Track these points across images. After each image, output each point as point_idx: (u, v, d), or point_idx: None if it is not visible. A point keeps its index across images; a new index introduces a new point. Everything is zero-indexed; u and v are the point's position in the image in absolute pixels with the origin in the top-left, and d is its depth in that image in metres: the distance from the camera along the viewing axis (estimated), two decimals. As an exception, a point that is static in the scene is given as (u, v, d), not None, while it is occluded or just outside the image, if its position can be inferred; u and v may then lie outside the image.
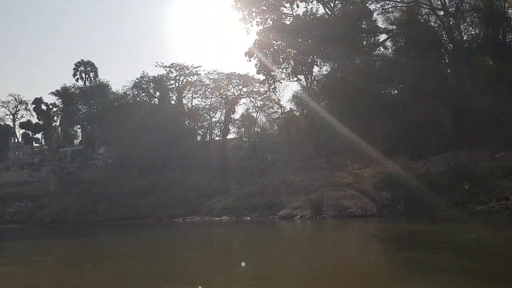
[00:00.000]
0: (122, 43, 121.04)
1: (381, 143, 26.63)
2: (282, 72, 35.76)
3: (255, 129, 62.30)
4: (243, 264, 10.23)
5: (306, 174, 33.32)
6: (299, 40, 30.98)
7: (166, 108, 55.50)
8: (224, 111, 58.53)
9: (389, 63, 28.74)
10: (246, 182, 39.57)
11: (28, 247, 21.21)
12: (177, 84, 56.30)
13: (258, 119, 61.83)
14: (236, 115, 58.80)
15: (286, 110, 41.77)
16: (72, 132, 66.29)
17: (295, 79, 38.67)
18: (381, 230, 17.75)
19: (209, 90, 56.89)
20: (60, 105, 63.37)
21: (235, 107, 58.37)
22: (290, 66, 34.73)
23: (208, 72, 55.81)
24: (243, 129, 64.28)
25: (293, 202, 26.07)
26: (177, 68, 55.25)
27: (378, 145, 27.12)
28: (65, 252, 17.22)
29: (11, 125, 67.48)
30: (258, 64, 34.88)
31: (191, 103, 57.89)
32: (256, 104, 58.70)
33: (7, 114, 63.42)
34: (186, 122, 55.57)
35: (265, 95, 56.44)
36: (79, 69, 60.52)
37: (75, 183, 44.42)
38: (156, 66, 53.60)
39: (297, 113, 39.35)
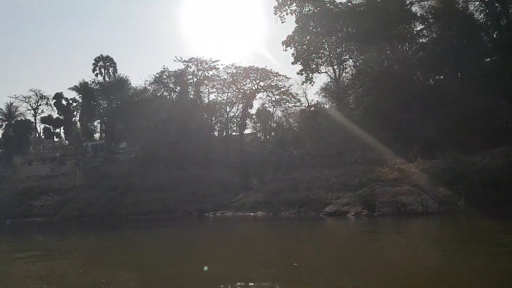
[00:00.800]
0: (138, 38, 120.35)
1: (427, 136, 25.16)
2: (320, 62, 34.32)
3: (271, 124, 61.27)
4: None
5: (341, 169, 32.06)
6: (339, 28, 29.55)
7: (186, 102, 54.54)
8: (241, 106, 57.66)
9: (434, 51, 27.14)
10: (272, 177, 38.53)
11: (69, 242, 20.30)
12: (195, 79, 55.24)
13: (275, 114, 60.78)
14: (252, 110, 57.95)
15: (313, 103, 40.17)
16: (92, 127, 65.72)
17: (325, 70, 37.23)
18: (459, 229, 16.36)
19: (226, 84, 55.83)
20: (79, 100, 62.83)
21: (252, 101, 57.41)
22: (324, 55, 33.26)
23: (226, 66, 54.72)
24: (259, 124, 63.26)
25: (340, 198, 24.77)
26: (195, 62, 54.19)
27: (422, 138, 25.64)
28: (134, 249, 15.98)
29: (32, 120, 67.16)
30: (295, 53, 33.52)
31: (208, 98, 57.08)
32: (272, 99, 57.66)
33: (28, 109, 62.99)
34: (204, 116, 54.54)
35: (283, 89, 55.37)
36: (98, 64, 59.83)
37: (101, 177, 43.84)
38: (175, 61, 52.69)
39: (327, 106, 37.99)
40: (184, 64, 53.99)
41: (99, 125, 66.75)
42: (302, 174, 33.54)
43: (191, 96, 55.40)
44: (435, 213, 20.63)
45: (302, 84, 49.49)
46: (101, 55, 59.70)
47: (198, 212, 35.22)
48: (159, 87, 55.03)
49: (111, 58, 59.84)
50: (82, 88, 66.57)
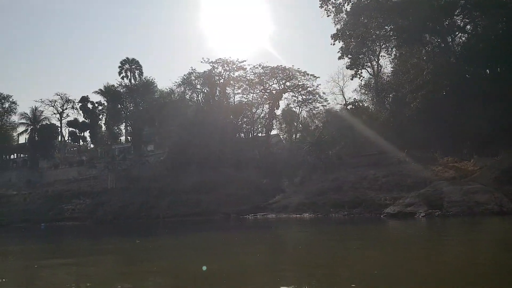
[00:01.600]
0: (160, 41, 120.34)
1: (483, 132, 23.56)
2: (370, 56, 32.96)
3: (297, 125, 60.10)
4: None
5: (388, 169, 30.63)
6: (391, 20, 28.22)
7: (214, 104, 53.72)
8: (266, 106, 56.75)
9: (491, 43, 25.53)
10: (307, 178, 37.23)
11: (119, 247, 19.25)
12: (222, 80, 54.42)
13: (300, 114, 59.58)
14: (277, 111, 56.87)
15: (350, 101, 38.71)
16: (117, 130, 65.27)
17: (367, 65, 35.75)
18: None
19: (252, 85, 54.97)
20: (105, 103, 62.51)
21: (279, 102, 56.45)
22: (371, 50, 31.87)
23: (253, 66, 53.76)
24: (284, 125, 62.16)
25: (400, 198, 23.35)
26: (221, 63, 53.36)
27: (478, 135, 24.05)
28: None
29: (57, 124, 67.05)
30: (344, 46, 32.27)
31: (233, 99, 56.30)
32: (298, 99, 56.53)
33: (54, 113, 62.84)
34: (231, 118, 53.62)
35: (310, 89, 54.22)
36: (124, 67, 59.39)
37: (132, 180, 43.10)
38: (202, 62, 51.81)
39: (369, 103, 36.54)
40: (211, 65, 53.30)
41: (124, 128, 66.31)
42: (345, 175, 32.18)
43: (218, 97, 54.52)
44: (510, 212, 19.15)
45: (352, 79, 48.41)
46: (127, 58, 59.39)
47: (237, 214, 34.13)
48: (186, 88, 54.33)
49: (137, 61, 59.52)
50: (107, 91, 66.31)
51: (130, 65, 59.35)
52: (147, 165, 47.51)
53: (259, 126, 58.05)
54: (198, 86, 53.93)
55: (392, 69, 35.15)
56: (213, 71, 53.26)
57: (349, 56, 33.42)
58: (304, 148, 37.14)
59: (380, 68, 36.62)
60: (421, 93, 25.28)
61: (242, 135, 56.96)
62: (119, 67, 59.24)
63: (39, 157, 63.36)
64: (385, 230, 19.20)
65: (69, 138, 66.10)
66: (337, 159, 36.07)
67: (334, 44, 32.89)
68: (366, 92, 35.56)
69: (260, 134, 58.17)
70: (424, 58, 27.70)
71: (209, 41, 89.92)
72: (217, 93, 53.53)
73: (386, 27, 29.15)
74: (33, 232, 33.80)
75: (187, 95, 54.13)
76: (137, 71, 59.48)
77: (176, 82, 52.50)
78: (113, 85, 61.40)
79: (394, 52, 33.35)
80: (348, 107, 37.96)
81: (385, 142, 33.81)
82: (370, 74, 37.07)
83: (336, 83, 39.05)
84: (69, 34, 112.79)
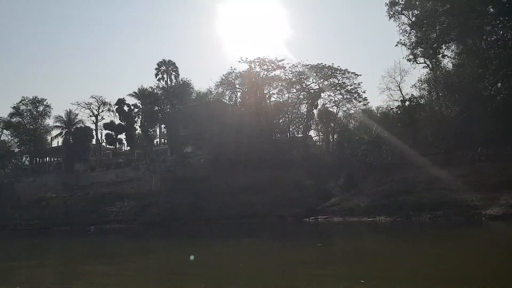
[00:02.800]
0: (182, 45, 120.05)
1: None
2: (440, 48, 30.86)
3: (334, 125, 57.99)
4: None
5: (463, 168, 28.25)
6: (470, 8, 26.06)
7: (253, 103, 52.10)
8: (303, 106, 54.98)
9: None
10: (364, 179, 34.93)
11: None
12: (259, 79, 52.83)
13: (338, 114, 57.46)
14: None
15: (408, 97, 36.37)
16: (152, 132, 64.27)
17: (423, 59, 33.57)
18: None
19: (291, 83, 53.36)
20: (140, 106, 61.71)
21: (317, 101, 54.67)
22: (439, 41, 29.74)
23: (293, 65, 52.11)
24: (320, 125, 60.15)
25: (497, 199, 21.04)
26: (258, 62, 51.83)
27: None
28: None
29: (91, 127, 66.54)
30: (417, 36, 30.19)
31: (271, 98, 54.70)
32: (335, 98, 54.56)
33: (90, 116, 62.26)
34: (270, 118, 51.87)
35: (350, 87, 52.27)
36: (161, 68, 58.41)
37: (177, 181, 41.55)
38: (240, 61, 50.39)
39: (428, 99, 34.23)
40: (248, 64, 51.89)
41: (159, 130, 65.33)
42: (413, 175, 29.86)
43: (256, 97, 52.85)
44: None
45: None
46: (164, 60, 58.50)
47: (293, 217, 32.19)
48: (225, 89, 52.94)
49: (174, 63, 58.55)
50: (141, 94, 65.63)
51: (166, 67, 58.39)
52: (189, 167, 45.96)
53: (297, 127, 56.22)
54: (237, 86, 52.46)
55: (455, 62, 32.87)
56: (251, 70, 51.86)
57: (422, 47, 31.23)
58: (361, 147, 34.88)
59: (439, 63, 34.31)
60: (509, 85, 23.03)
61: (278, 135, 55.31)
62: (156, 69, 58.39)
63: (74, 160, 62.78)
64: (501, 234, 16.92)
65: (104, 141, 65.39)
66: (398, 159, 33.72)
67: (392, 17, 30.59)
68: (427, 87, 33.32)
69: (297, 135, 56.38)
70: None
71: (226, 45, 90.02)
72: (256, 92, 51.93)
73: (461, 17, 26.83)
74: (86, 235, 32.55)
75: (226, 96, 52.71)
76: (173, 73, 58.41)
77: (216, 81, 51.09)
78: (147, 88, 60.79)
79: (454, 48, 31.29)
80: (406, 103, 35.67)
81: (451, 140, 31.44)
82: (429, 67, 34.79)
83: (393, 78, 36.84)
84: (89, 40, 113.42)
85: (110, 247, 22.97)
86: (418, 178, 29.19)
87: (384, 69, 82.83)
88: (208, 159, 46.66)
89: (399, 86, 36.49)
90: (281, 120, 53.59)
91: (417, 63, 34.75)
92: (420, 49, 33.21)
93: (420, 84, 34.69)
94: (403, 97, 35.96)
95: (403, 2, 36.13)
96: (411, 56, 34.12)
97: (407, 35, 34.91)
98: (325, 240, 18.98)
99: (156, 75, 58.28)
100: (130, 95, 64.72)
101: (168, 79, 58.50)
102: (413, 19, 34.07)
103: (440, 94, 32.63)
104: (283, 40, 77.91)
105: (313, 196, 36.57)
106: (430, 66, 35.21)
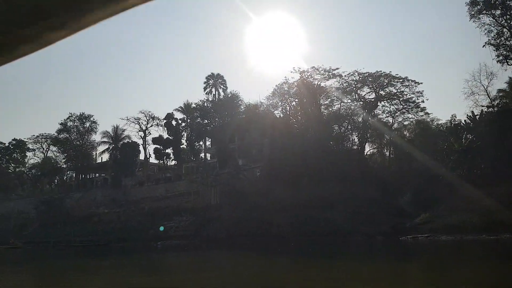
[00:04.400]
0: (212, 63, 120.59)
1: None
2: None
3: (388, 137, 54.44)
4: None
5: None
6: None
7: (307, 114, 49.65)
8: (358, 116, 52.08)
9: None
10: (450, 192, 31.13)
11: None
12: (312, 88, 50.42)
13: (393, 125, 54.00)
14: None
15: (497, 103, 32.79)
16: (197, 146, 62.83)
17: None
18: None
19: (346, 92, 50.82)
20: (188, 120, 60.61)
21: (374, 111, 51.74)
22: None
23: (349, 74, 49.60)
24: (374, 137, 56.70)
25: None
26: (308, 72, 49.60)
27: None
28: None
29: (138, 141, 65.86)
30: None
31: (326, 108, 52.11)
32: (390, 108, 51.46)
33: (139, 130, 61.49)
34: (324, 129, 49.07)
35: (408, 96, 49.13)
36: (209, 82, 57.17)
37: (236, 195, 38.98)
38: (292, 72, 48.24)
39: None
40: (300, 75, 49.76)
41: (204, 144, 63.80)
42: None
43: (310, 107, 50.33)
44: None
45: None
46: (212, 73, 57.36)
47: (382, 235, 28.76)
48: (277, 99, 50.87)
49: (222, 76, 57.28)
50: (187, 108, 64.75)
51: (214, 80, 57.12)
52: (244, 180, 43.58)
53: (353, 138, 53.21)
54: (290, 97, 50.25)
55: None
56: (305, 80, 49.68)
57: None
58: (452, 157, 31.31)
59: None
60: None
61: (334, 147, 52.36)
62: (204, 82, 57.31)
63: (122, 175, 61.83)
64: None
65: (150, 156, 64.31)
66: (491, 170, 29.97)
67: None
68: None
69: (353, 147, 53.30)
70: None
71: (251, 61, 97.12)
72: (310, 103, 49.51)
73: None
74: (157, 251, 30.29)
75: (279, 107, 50.53)
76: (221, 86, 57.10)
77: (276, 88, 49.22)
78: (196, 102, 60.01)
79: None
80: (489, 109, 32.11)
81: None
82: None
83: (478, 82, 33.39)
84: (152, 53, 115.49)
85: (233, 264, 19.70)
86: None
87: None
88: (264, 172, 44.11)
89: (486, 90, 33.02)
90: (334, 130, 50.73)
91: (508, 64, 31.39)
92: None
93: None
94: (490, 102, 32.43)
95: (482, 1, 33.24)
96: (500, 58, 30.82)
97: (493, 34, 31.76)
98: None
99: (205, 88, 57.09)
100: (176, 110, 64.13)
101: (216, 92, 57.18)
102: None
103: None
104: (301, 54, 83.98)
105: (387, 212, 33.36)
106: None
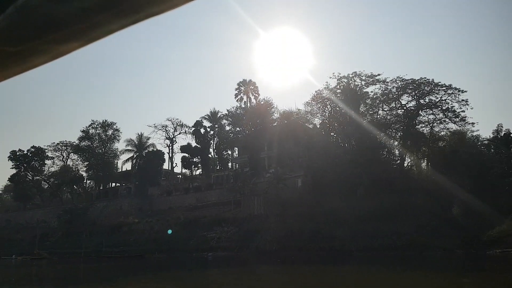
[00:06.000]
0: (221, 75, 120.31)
1: None
2: None
3: (425, 149, 51.69)
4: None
5: None
6: None
7: (349, 121, 47.21)
8: (400, 126, 49.53)
9: None
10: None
11: None
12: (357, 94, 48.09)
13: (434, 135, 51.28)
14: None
15: None
16: (226, 155, 60.45)
17: None
18: None
19: (388, 100, 48.47)
20: (215, 128, 58.41)
21: (415, 120, 49.22)
22: None
23: (391, 80, 47.27)
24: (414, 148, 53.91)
25: None
26: (346, 78, 47.47)
27: None
28: None
29: (163, 150, 63.72)
30: None
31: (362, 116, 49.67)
32: (428, 118, 48.88)
33: (166, 138, 59.25)
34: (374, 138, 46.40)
35: (450, 105, 46.53)
36: (241, 88, 55.09)
37: (282, 206, 36.20)
38: (331, 77, 46.17)
39: None
40: (338, 80, 47.59)
41: (232, 153, 61.38)
42: None
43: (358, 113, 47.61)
44: None
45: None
46: (244, 80, 55.28)
47: (461, 249, 25.84)
48: (314, 107, 48.54)
49: (254, 82, 55.16)
50: (213, 116, 62.67)
51: (246, 87, 55.03)
52: (286, 189, 40.78)
53: (393, 148, 50.55)
54: (331, 104, 47.88)
55: None
56: (344, 86, 47.39)
57: None
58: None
59: None
60: None
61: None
62: (236, 89, 55.19)
63: (146, 184, 59.34)
64: None
65: (176, 165, 61.81)
66: None
67: None
68: None
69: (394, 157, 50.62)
70: None
71: (259, 73, 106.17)
72: (354, 109, 47.11)
73: None
74: (212, 264, 27.47)
75: (318, 113, 48.16)
76: (254, 94, 54.97)
77: (305, 101, 47.09)
78: (219, 111, 58.14)
79: None
80: None
81: None
82: None
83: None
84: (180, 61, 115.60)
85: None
86: None
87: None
88: (308, 182, 41.36)
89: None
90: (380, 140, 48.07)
91: None
92: None
93: None
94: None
95: None
96: None
97: None
98: None
99: (236, 95, 54.87)
100: (203, 118, 62.03)
101: (248, 99, 54.96)
102: None
103: None
104: (307, 68, 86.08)
105: (447, 224, 30.55)
106: None
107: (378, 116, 49.61)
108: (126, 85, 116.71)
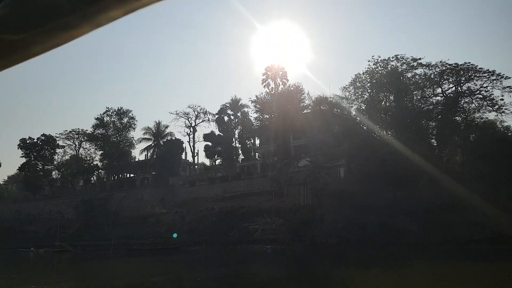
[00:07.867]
0: (218, 70, 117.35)
1: None
2: None
3: (457, 139, 48.47)
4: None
5: None
6: None
7: (392, 109, 43.94)
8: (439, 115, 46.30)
9: None
10: None
11: None
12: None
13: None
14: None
15: None
16: (249, 144, 56.95)
17: None
18: None
19: (429, 86, 45.29)
20: (239, 117, 54.97)
21: (455, 108, 45.93)
22: None
23: (432, 65, 43.95)
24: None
25: None
26: (383, 62, 44.08)
27: None
28: None
29: (182, 139, 60.16)
30: None
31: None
32: (468, 106, 45.75)
33: (187, 126, 55.58)
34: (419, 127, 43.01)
35: (487, 93, 43.41)
36: (268, 73, 51.42)
37: (331, 196, 32.78)
38: (369, 61, 42.75)
39: None
40: (375, 65, 44.18)
41: (253, 141, 57.88)
42: None
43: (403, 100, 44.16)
44: None
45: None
46: (272, 64, 51.59)
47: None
48: (352, 92, 45.11)
49: (282, 67, 51.40)
50: (234, 104, 59.13)
51: (274, 72, 51.37)
52: (326, 180, 37.49)
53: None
54: (370, 89, 44.49)
55: None
56: (389, 71, 43.85)
57: None
58: None
59: None
60: None
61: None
62: (263, 74, 51.42)
63: (166, 174, 55.78)
64: None
65: (197, 153, 58.17)
66: None
67: None
68: None
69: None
70: None
71: (257, 67, 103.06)
72: (397, 95, 43.71)
73: None
74: (275, 258, 24.14)
75: (359, 99, 44.72)
76: (282, 79, 51.34)
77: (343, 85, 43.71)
78: (237, 99, 54.72)
79: None
80: None
81: None
82: None
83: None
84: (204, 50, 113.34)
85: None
86: None
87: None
88: (351, 171, 38.07)
89: None
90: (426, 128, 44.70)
91: None
92: None
93: None
94: None
95: None
96: None
97: None
98: None
99: (263, 81, 51.20)
100: (224, 106, 58.41)
101: (275, 85, 51.31)
102: None
103: None
104: (305, 63, 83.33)
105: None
106: None
107: (422, 102, 45.95)
108: (138, 75, 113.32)
